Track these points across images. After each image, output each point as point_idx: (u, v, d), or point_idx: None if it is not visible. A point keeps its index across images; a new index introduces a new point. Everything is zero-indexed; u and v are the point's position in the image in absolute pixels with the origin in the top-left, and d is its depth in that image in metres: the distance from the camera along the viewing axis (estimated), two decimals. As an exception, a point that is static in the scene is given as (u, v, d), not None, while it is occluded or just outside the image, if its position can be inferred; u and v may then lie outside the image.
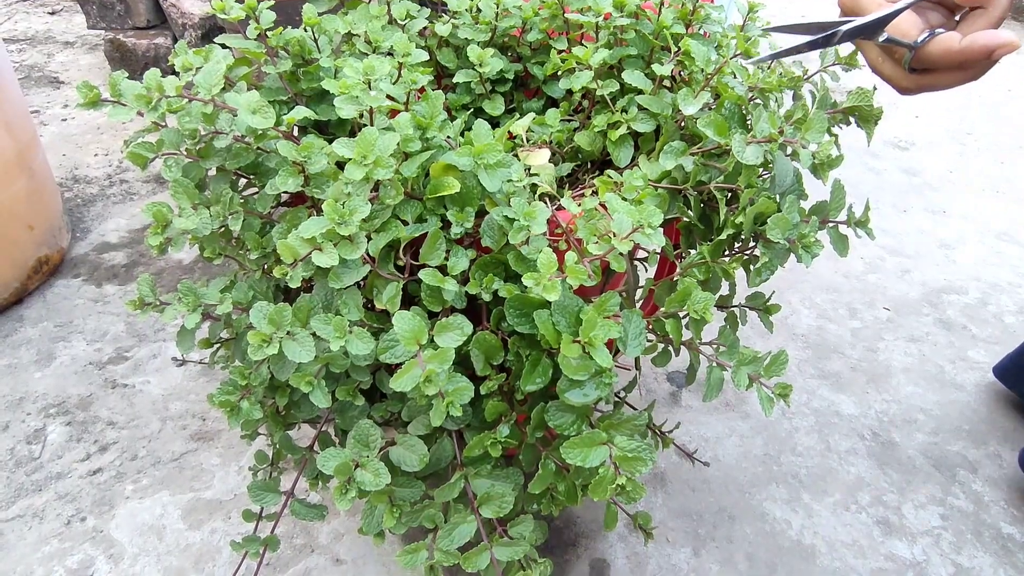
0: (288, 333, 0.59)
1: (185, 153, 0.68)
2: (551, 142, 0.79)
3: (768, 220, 0.65)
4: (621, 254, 0.59)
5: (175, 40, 2.03)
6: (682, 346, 0.72)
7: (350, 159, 0.58)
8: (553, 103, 0.88)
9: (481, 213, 0.64)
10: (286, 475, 0.80)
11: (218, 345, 0.77)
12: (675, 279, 0.71)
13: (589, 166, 0.83)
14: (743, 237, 0.69)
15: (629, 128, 0.74)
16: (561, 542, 0.99)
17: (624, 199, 0.64)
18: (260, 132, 0.64)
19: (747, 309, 0.82)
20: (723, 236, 0.68)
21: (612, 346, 0.68)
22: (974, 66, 0.56)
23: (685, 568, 0.97)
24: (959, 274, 1.59)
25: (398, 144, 0.60)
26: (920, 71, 0.59)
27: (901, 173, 1.95)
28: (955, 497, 1.09)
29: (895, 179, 1.93)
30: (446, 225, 0.63)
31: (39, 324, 1.30)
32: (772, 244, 0.67)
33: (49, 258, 1.38)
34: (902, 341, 1.39)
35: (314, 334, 0.59)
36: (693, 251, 0.74)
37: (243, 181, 0.72)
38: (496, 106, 0.85)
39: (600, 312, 0.58)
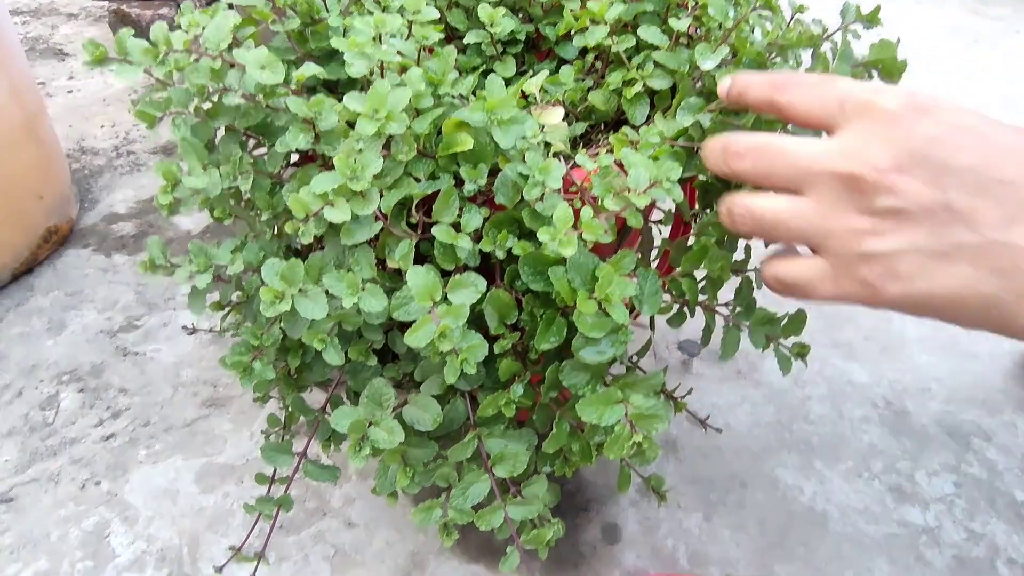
0: (300, 290, 0.58)
1: (193, 112, 0.67)
2: (564, 101, 0.77)
3: (787, 177, 0.64)
4: (638, 209, 0.58)
5: (179, 8, 2.01)
6: (697, 307, 0.71)
7: (361, 113, 0.57)
8: (565, 65, 0.87)
9: (494, 171, 0.63)
10: (298, 439, 0.80)
11: (228, 310, 0.77)
12: (690, 239, 0.70)
13: (603, 127, 0.82)
14: (761, 196, 0.68)
15: (645, 86, 0.73)
16: (573, 506, 0.99)
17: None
18: (269, 89, 0.63)
19: (763, 272, 0.81)
20: (740, 194, 0.67)
21: (627, 306, 0.67)
22: None
23: (696, 532, 0.97)
24: (975, 244, 1.56)
25: (410, 100, 0.59)
26: None
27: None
28: (969, 465, 1.09)
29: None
30: (459, 183, 0.62)
31: (50, 293, 1.30)
32: (791, 202, 0.66)
33: (58, 228, 1.38)
34: (916, 310, 1.37)
35: (327, 292, 0.58)
36: (709, 211, 0.73)
37: (252, 142, 0.71)
38: (507, 68, 0.83)
39: (616, 269, 0.57)
